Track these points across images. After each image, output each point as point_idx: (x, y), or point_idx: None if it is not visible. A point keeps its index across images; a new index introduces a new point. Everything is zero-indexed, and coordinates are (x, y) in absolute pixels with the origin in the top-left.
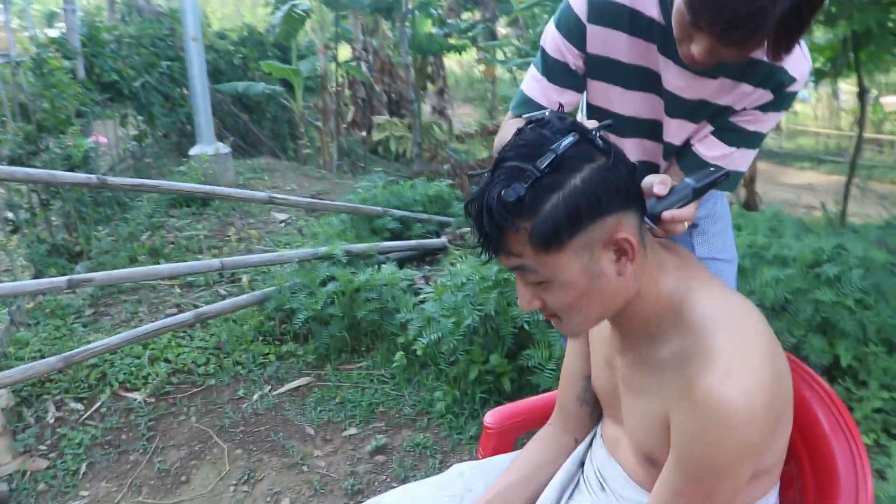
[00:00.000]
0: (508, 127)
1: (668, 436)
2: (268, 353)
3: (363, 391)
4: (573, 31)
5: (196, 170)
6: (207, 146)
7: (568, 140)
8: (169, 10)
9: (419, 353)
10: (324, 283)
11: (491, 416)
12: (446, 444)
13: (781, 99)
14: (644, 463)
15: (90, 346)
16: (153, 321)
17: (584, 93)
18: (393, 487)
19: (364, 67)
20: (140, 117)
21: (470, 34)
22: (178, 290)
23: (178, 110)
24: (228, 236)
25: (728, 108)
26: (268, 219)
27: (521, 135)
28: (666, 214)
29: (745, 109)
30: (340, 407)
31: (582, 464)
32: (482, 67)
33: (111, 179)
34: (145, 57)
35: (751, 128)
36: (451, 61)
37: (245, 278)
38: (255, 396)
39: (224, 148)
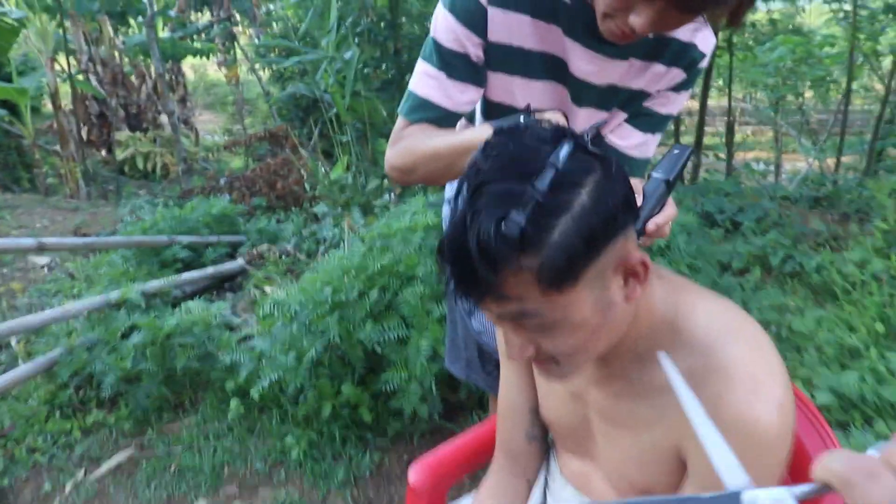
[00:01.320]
0: (413, 137)
1: (675, 467)
2: (71, 430)
3: (200, 453)
4: (473, 17)
5: None
6: None
7: (565, 150)
8: None
9: (255, 397)
10: (125, 335)
11: (416, 473)
12: (315, 497)
13: (693, 77)
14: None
15: None
16: None
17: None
18: None
19: (94, 81)
20: None
21: (208, 35)
22: None
23: None
24: None
25: (641, 92)
26: (25, 265)
27: (497, 147)
28: (651, 226)
29: (658, 91)
30: (179, 477)
31: None
32: (223, 71)
33: None
34: None
35: (663, 111)
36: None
37: (18, 343)
38: (68, 487)
39: None
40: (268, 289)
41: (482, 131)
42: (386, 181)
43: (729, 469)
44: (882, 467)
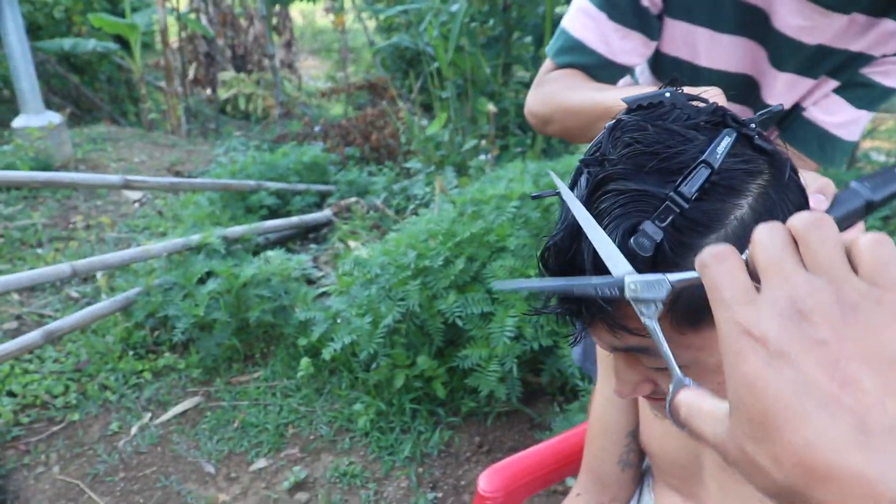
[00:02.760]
0: (556, 83)
1: None
2: (142, 371)
3: (266, 409)
4: None
5: (24, 148)
6: (35, 116)
7: (725, 142)
8: None
9: (327, 358)
10: (202, 281)
11: (488, 480)
12: (378, 470)
13: None
14: None
15: None
16: None
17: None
18: None
19: (204, 20)
20: None
21: None
22: (17, 297)
23: None
24: (73, 223)
25: (860, 55)
26: (119, 199)
27: (631, 130)
28: None
29: (884, 56)
30: (242, 433)
31: None
32: (331, 17)
33: None
34: None
35: (886, 82)
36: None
37: (102, 277)
38: (134, 429)
39: (57, 118)
40: (352, 243)
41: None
42: (484, 142)
43: (614, 261)
44: (731, 252)
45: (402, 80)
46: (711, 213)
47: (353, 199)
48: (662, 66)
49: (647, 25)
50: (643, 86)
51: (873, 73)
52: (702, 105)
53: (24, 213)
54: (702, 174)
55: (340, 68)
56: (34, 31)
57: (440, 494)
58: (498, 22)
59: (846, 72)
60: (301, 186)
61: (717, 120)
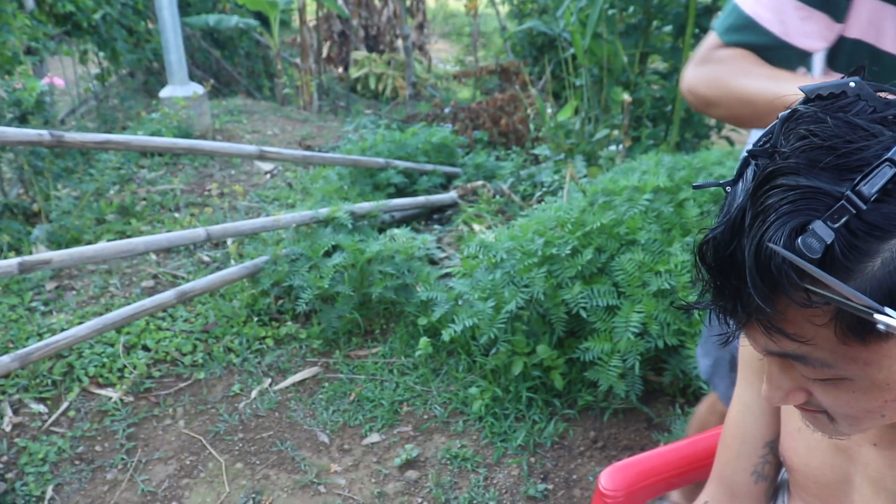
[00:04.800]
0: (726, 65)
1: None
2: (265, 337)
3: (382, 385)
4: None
5: (170, 116)
6: (181, 87)
7: None
8: None
9: (446, 339)
10: (327, 254)
11: (611, 477)
12: (489, 455)
13: None
14: None
15: (52, 339)
16: (126, 297)
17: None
18: None
19: (340, 0)
20: (101, 54)
21: None
22: (155, 258)
23: (143, 46)
24: (209, 190)
25: None
26: (251, 169)
27: (808, 122)
28: None
29: None
30: (357, 406)
31: None
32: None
33: (69, 136)
34: None
35: None
36: None
37: (232, 244)
38: (254, 393)
39: (200, 89)
40: (476, 227)
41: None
42: (616, 132)
43: None
44: None
45: (532, 66)
46: (892, 217)
47: (480, 183)
48: (840, 50)
49: (834, 5)
50: (826, 76)
51: None
52: (892, 98)
53: (164, 179)
54: (885, 173)
55: (470, 52)
56: (183, 6)
57: (550, 486)
58: (638, 9)
59: None
60: (428, 167)
61: None
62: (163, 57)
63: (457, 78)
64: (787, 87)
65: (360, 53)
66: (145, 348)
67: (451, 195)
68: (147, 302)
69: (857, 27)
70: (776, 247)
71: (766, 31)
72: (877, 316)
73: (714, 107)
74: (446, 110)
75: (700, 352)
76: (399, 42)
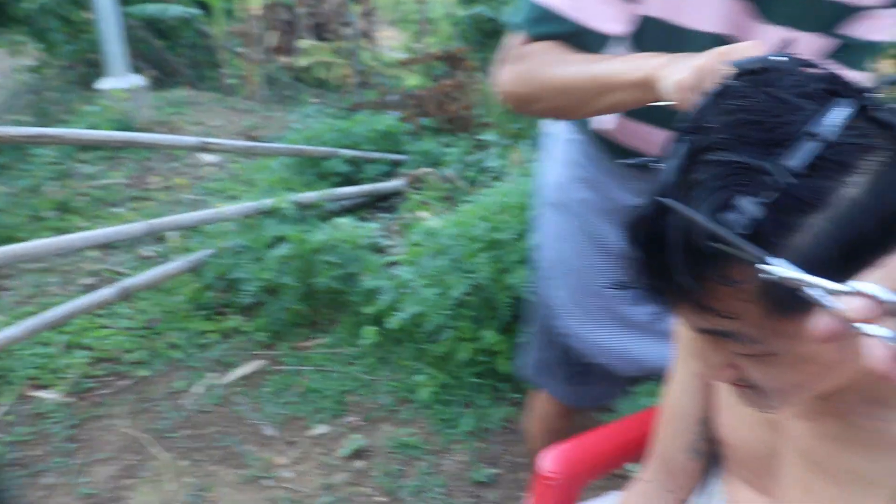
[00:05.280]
0: (536, 59)
1: None
2: (209, 332)
3: (328, 376)
4: None
5: (109, 109)
6: (120, 79)
7: (840, 113)
8: None
9: (393, 328)
10: (272, 245)
11: (552, 460)
12: (437, 442)
13: None
14: None
15: None
16: (66, 294)
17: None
18: (379, 501)
19: None
20: (38, 45)
21: None
22: (95, 254)
23: (81, 37)
24: (151, 184)
25: (849, 6)
26: (195, 161)
27: (736, 97)
28: None
29: (870, 9)
30: (303, 398)
31: None
32: None
33: None
34: None
35: (873, 37)
36: None
37: (175, 238)
38: (199, 388)
39: (140, 81)
40: (423, 214)
41: (641, 64)
42: None
43: None
44: None
45: (479, 52)
46: (818, 191)
47: (427, 170)
48: (643, 30)
49: None
50: (646, 54)
51: (861, 29)
52: (818, 71)
53: (105, 173)
54: (809, 147)
55: (418, 39)
56: None
57: (499, 471)
58: None
59: (831, 26)
60: (375, 155)
61: (833, 88)
62: (101, 48)
63: (404, 65)
64: (606, 68)
65: (306, 42)
66: (86, 347)
67: (398, 183)
68: (87, 300)
69: (655, 5)
70: (699, 217)
71: (565, 18)
72: (762, 266)
73: (534, 103)
74: (393, 98)
75: (524, 353)
76: (347, 29)
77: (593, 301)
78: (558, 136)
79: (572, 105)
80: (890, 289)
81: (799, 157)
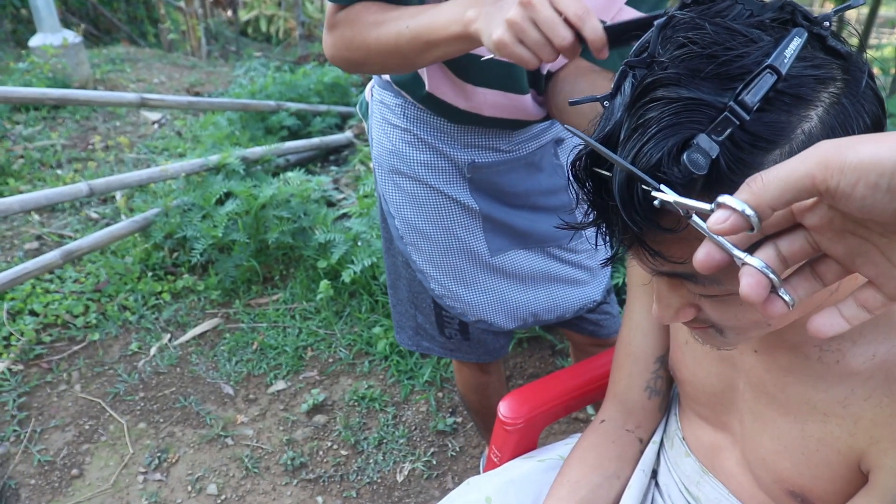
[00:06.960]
0: (355, 24)
1: (847, 475)
2: (161, 292)
3: (285, 332)
4: None
5: (41, 66)
6: (51, 35)
7: (793, 44)
8: None
9: (347, 281)
10: (220, 202)
11: (509, 406)
12: (397, 394)
13: None
14: (781, 497)
15: None
16: (7, 261)
17: None
18: (342, 455)
19: None
20: None
21: None
22: (38, 218)
23: None
24: (92, 144)
25: None
26: (137, 119)
27: (684, 30)
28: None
29: None
30: (260, 355)
31: (654, 473)
32: None
33: None
34: None
35: None
36: None
37: (120, 197)
38: (153, 350)
39: (74, 37)
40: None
41: (455, 16)
42: None
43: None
44: None
45: None
46: (776, 126)
47: None
48: None
49: None
50: (456, 2)
51: None
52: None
53: (43, 134)
54: (766, 81)
55: None
56: None
57: (459, 419)
58: None
59: None
60: (322, 108)
61: (786, 17)
62: (29, 3)
63: None
64: (422, 23)
65: None
66: (33, 313)
67: (347, 135)
68: (30, 264)
69: None
70: (635, 170)
71: None
72: (653, 193)
73: (364, 65)
74: None
75: (396, 329)
76: None
77: (457, 260)
78: (382, 101)
79: (401, 64)
80: (751, 203)
81: (755, 91)
